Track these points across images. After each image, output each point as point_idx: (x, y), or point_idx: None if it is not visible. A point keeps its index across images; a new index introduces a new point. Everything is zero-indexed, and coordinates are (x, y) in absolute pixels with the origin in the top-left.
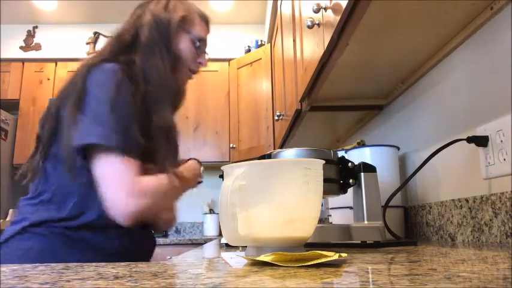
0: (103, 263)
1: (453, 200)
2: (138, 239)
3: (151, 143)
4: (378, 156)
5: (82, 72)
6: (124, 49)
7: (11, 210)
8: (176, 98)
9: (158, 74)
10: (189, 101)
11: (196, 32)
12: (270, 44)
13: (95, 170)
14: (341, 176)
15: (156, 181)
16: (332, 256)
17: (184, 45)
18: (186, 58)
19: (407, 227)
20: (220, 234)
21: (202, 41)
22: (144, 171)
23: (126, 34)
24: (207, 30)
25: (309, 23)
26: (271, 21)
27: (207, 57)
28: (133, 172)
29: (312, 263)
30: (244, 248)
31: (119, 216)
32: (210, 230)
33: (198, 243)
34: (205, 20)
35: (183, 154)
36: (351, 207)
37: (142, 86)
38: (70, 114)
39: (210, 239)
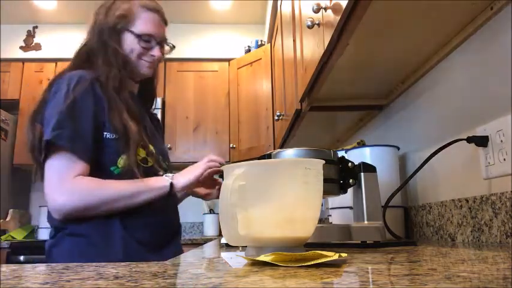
0: (103, 263)
1: (453, 200)
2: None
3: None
4: (378, 156)
5: (47, 85)
6: (85, 59)
7: (11, 210)
8: (147, 86)
9: (103, 76)
10: (189, 101)
11: (138, 28)
12: (270, 44)
13: (44, 167)
14: (341, 176)
15: (96, 184)
16: (332, 256)
17: (128, 44)
18: (134, 55)
19: (407, 227)
20: (220, 234)
21: (148, 35)
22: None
23: (85, 45)
24: (159, 21)
25: (309, 23)
26: (271, 21)
27: (169, 46)
28: (72, 172)
29: (312, 263)
30: (244, 248)
31: (50, 210)
32: (210, 230)
33: (198, 243)
34: (154, 11)
35: (183, 154)
36: (351, 207)
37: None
38: (30, 124)
39: (210, 239)
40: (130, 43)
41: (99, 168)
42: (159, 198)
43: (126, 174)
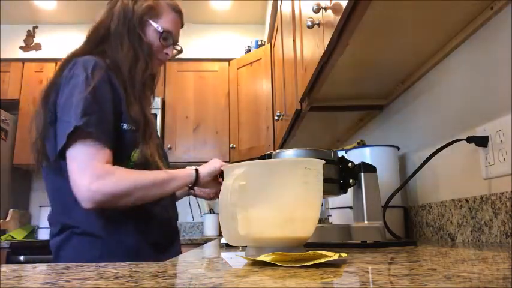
0: (103, 263)
1: (453, 200)
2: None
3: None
4: (378, 156)
5: (57, 68)
6: (99, 41)
7: (11, 210)
8: (151, 82)
9: (126, 65)
10: (189, 101)
11: (162, 24)
12: (270, 44)
13: (67, 156)
14: (341, 176)
15: (127, 171)
16: (332, 256)
17: (149, 35)
18: (153, 48)
19: (407, 227)
20: (220, 234)
21: (169, 33)
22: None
23: (101, 26)
24: (179, 23)
25: (309, 23)
26: (271, 21)
27: (177, 49)
28: (101, 158)
29: (312, 263)
30: (244, 248)
31: (80, 198)
32: (210, 230)
33: (198, 243)
34: (178, 12)
35: (183, 154)
36: (351, 207)
37: (118, 76)
38: (43, 108)
39: (210, 239)
40: (151, 37)
41: (114, 160)
42: (185, 186)
43: (139, 169)
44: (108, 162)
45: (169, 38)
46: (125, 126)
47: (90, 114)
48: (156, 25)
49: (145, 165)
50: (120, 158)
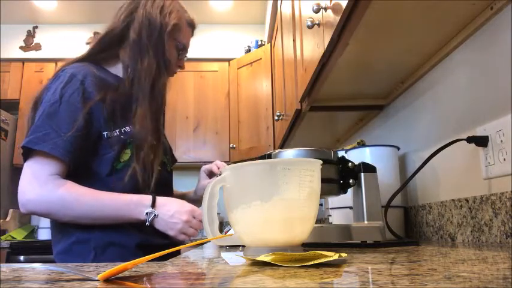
0: (103, 263)
1: (453, 200)
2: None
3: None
4: (378, 156)
5: (54, 73)
6: (110, 44)
7: (11, 210)
8: (159, 98)
9: (148, 79)
10: (189, 101)
11: (181, 39)
12: (270, 44)
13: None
14: (341, 176)
15: (71, 190)
16: (332, 256)
17: (170, 50)
18: (172, 62)
19: (407, 227)
20: None
21: (186, 46)
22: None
23: (115, 29)
24: (191, 36)
25: (309, 23)
26: (271, 21)
27: (187, 57)
28: (47, 173)
29: (312, 263)
30: (244, 247)
31: (19, 203)
32: None
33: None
34: (192, 27)
35: (183, 154)
36: (351, 207)
37: (122, 86)
38: (31, 113)
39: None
40: (171, 52)
41: (100, 164)
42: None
43: (126, 171)
44: (56, 173)
45: (184, 51)
46: (106, 133)
47: (38, 132)
48: (176, 41)
49: (132, 169)
50: (106, 162)
